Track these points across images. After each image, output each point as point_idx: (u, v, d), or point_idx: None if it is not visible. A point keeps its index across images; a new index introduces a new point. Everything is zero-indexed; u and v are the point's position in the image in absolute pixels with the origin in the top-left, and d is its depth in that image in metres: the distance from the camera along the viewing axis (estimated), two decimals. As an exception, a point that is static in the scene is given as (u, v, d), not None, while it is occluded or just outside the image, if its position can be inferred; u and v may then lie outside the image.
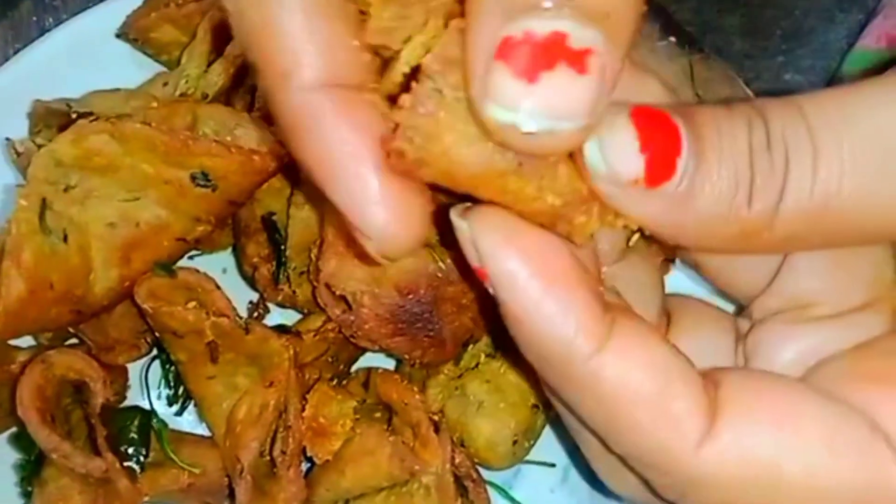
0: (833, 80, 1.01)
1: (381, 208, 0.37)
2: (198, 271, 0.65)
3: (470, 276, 0.42)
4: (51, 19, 0.87)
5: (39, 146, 0.63)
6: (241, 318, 0.63)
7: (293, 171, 0.70)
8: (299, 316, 0.73)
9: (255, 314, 0.75)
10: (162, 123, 0.64)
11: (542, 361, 0.40)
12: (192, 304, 0.63)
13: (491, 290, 0.39)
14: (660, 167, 0.36)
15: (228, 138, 0.66)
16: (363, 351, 0.70)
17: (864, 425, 0.40)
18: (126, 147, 0.61)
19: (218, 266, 0.76)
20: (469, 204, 0.40)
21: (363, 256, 0.61)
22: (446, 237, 0.59)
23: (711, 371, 0.42)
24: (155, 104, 0.65)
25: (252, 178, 0.64)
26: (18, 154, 0.67)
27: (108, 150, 0.61)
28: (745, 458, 0.39)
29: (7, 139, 0.70)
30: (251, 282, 0.73)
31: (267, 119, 0.73)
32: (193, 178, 0.62)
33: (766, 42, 1.09)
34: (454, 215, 0.40)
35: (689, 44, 0.97)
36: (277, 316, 0.75)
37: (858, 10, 1.04)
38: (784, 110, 0.37)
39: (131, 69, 0.80)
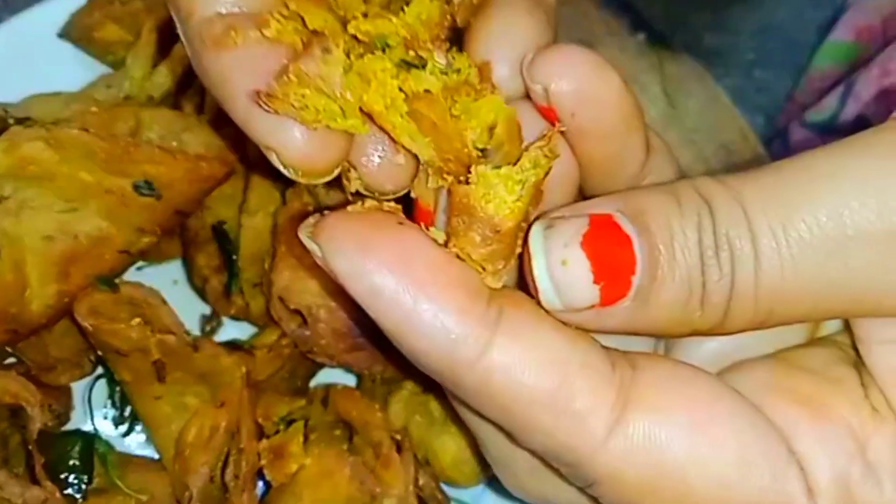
0: (802, 74, 0.99)
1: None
2: (142, 285, 0.61)
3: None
4: (-9, 19, 0.83)
5: (-31, 156, 0.58)
6: (189, 334, 0.60)
7: (244, 177, 0.66)
8: (254, 329, 0.70)
9: (208, 328, 0.72)
10: (102, 129, 0.60)
11: (433, 372, 0.38)
12: (136, 321, 0.59)
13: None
14: (615, 290, 0.36)
15: (174, 143, 0.63)
16: (321, 366, 0.66)
17: (781, 446, 0.38)
18: (63, 154, 0.57)
19: (167, 277, 0.73)
20: (317, 216, 0.37)
21: (316, 268, 0.58)
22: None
23: (629, 353, 0.40)
24: (95, 108, 0.61)
25: (200, 185, 0.60)
26: (-51, 163, 0.63)
27: (43, 158, 0.57)
28: (653, 458, 0.37)
29: (-62, 147, 0.66)
30: (202, 294, 0.69)
31: (218, 122, 0.69)
32: (136, 186, 0.59)
33: (736, 38, 1.07)
34: (303, 235, 0.37)
35: (658, 41, 0.95)
36: (231, 329, 0.72)
37: (828, 5, 1.03)
38: (728, 202, 0.36)
39: (75, 71, 0.76)
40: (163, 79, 0.67)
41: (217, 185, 0.61)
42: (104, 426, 0.67)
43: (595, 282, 0.36)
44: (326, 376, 0.69)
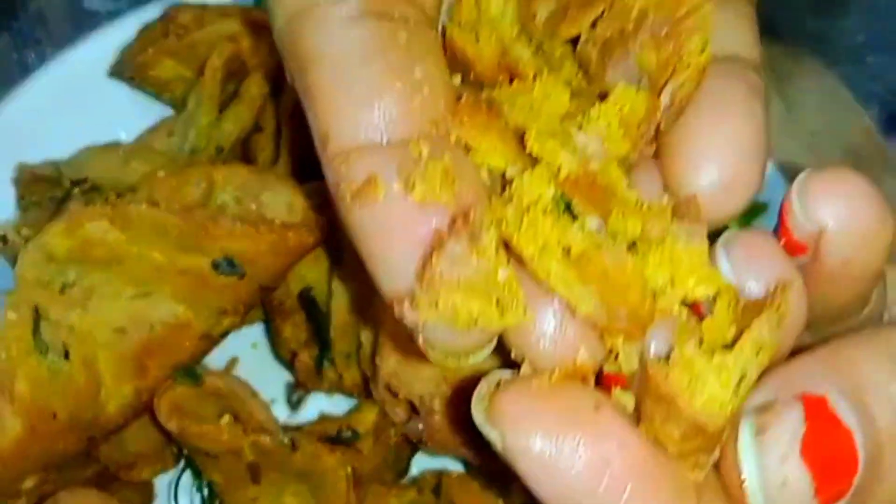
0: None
1: None
2: (228, 375, 0.54)
3: None
4: (33, 55, 0.76)
5: (26, 239, 0.51)
6: (285, 432, 0.52)
7: (334, 240, 0.58)
8: (344, 399, 0.62)
9: (294, 398, 0.64)
10: (172, 198, 0.52)
11: None
12: (225, 419, 0.52)
13: None
14: (833, 495, 0.31)
15: (253, 206, 0.55)
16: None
17: None
18: (131, 234, 0.50)
19: (246, 340, 0.65)
20: (490, 383, 0.31)
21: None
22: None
23: None
24: (162, 173, 0.53)
25: (287, 258, 0.53)
26: (3, 241, 0.55)
27: (109, 239, 0.50)
28: None
29: (-10, 221, 0.58)
30: (289, 367, 0.62)
31: (297, 173, 0.61)
32: (216, 265, 0.51)
33: (844, 20, 0.96)
34: (478, 415, 0.31)
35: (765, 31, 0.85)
36: (320, 398, 0.64)
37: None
38: None
39: (129, 110, 0.68)
40: (231, 126, 0.60)
41: (306, 254, 0.53)
42: (192, 521, 0.60)
43: (815, 495, 0.31)
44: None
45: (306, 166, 0.63)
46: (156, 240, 0.50)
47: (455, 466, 0.60)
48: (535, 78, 0.33)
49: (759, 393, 0.31)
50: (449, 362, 0.31)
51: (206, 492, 0.59)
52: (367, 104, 0.30)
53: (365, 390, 0.60)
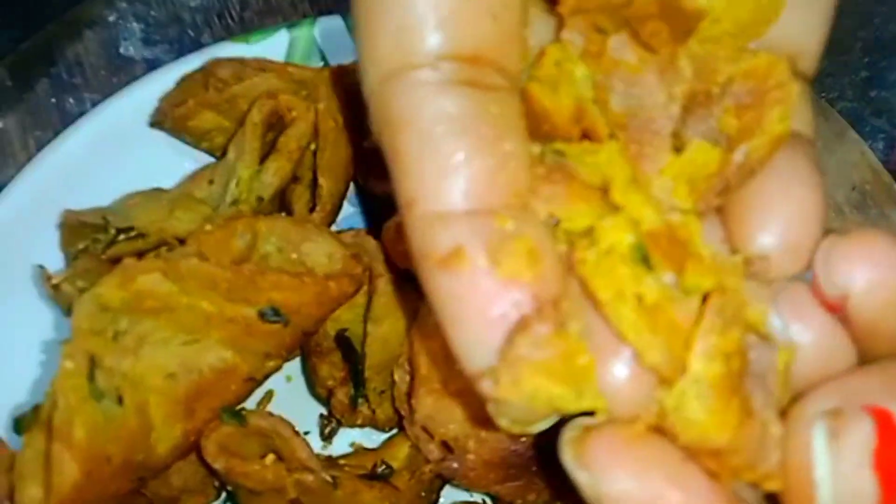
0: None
1: None
2: (271, 415, 0.56)
3: None
4: (71, 100, 0.78)
5: (81, 290, 0.54)
6: (327, 469, 0.55)
7: (368, 281, 0.61)
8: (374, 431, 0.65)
9: (327, 431, 0.67)
10: (220, 248, 0.55)
11: None
12: (270, 459, 0.54)
13: None
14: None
15: (294, 255, 0.58)
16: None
17: None
18: (182, 286, 0.53)
19: (281, 375, 0.68)
20: (580, 426, 0.32)
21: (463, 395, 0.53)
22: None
23: None
24: (209, 227, 0.56)
25: (328, 306, 0.56)
26: (56, 290, 0.58)
27: (161, 291, 0.53)
28: None
29: (40, 267, 0.61)
30: (325, 403, 0.65)
31: (332, 219, 0.65)
32: (262, 314, 0.54)
33: (846, 56, 0.99)
34: (569, 459, 0.32)
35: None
36: (352, 430, 0.67)
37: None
38: None
39: (169, 157, 0.71)
40: (272, 177, 0.62)
41: (346, 301, 0.56)
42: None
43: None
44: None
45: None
46: (205, 291, 0.53)
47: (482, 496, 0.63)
48: (610, 137, 0.34)
49: (823, 399, 0.33)
50: (515, 428, 0.32)
51: (246, 525, 0.62)
52: (456, 175, 0.30)
53: (398, 425, 0.63)
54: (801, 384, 0.34)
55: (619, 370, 0.32)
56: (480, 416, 0.54)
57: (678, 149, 0.35)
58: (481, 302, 0.30)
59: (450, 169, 0.30)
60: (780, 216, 0.34)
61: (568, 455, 0.32)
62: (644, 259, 0.32)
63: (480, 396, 0.31)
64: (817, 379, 0.34)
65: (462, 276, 0.30)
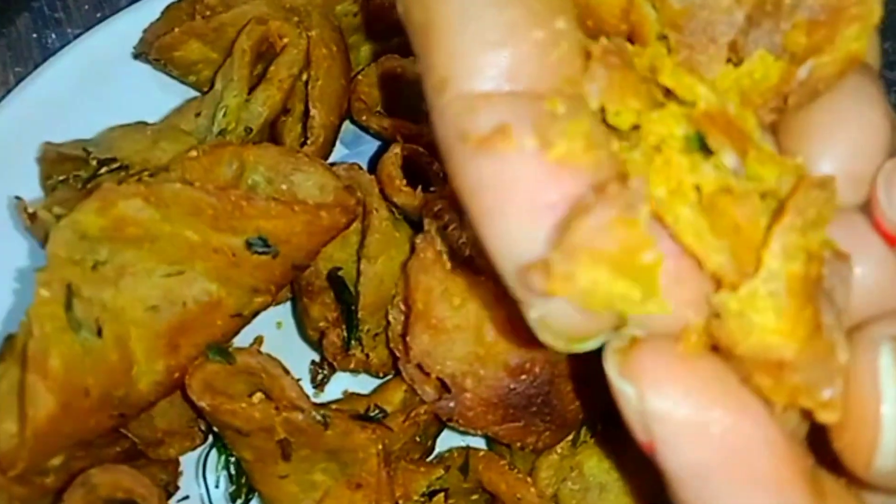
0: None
1: None
2: (259, 353, 0.54)
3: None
4: (53, 35, 0.75)
5: (58, 217, 0.51)
6: (317, 409, 0.52)
7: (361, 216, 0.58)
8: (368, 379, 0.62)
9: (320, 377, 0.65)
10: (205, 177, 0.52)
11: None
12: (258, 397, 0.52)
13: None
14: None
15: (284, 186, 0.55)
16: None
17: None
18: (165, 213, 0.50)
19: (270, 320, 0.66)
20: (625, 340, 0.28)
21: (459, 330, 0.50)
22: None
23: None
24: (194, 153, 0.53)
25: (320, 238, 0.53)
26: (32, 219, 0.55)
27: (142, 218, 0.50)
28: None
29: (17, 198, 0.58)
30: (317, 347, 0.62)
31: (325, 154, 0.62)
32: (249, 244, 0.51)
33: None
34: (613, 371, 0.28)
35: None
36: (344, 378, 0.64)
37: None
38: None
39: (153, 92, 0.68)
40: (261, 107, 0.59)
41: (338, 234, 0.54)
42: (216, 496, 0.61)
43: None
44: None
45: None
46: (190, 219, 0.50)
47: (477, 443, 0.60)
48: (659, 39, 0.30)
49: (890, 324, 0.30)
50: (559, 345, 0.28)
51: (232, 469, 0.59)
52: (500, 48, 0.26)
53: (393, 370, 0.60)
54: (856, 317, 0.31)
55: (675, 279, 0.28)
56: (478, 349, 0.51)
57: (730, 61, 0.31)
58: (529, 187, 0.26)
59: (494, 41, 0.26)
60: (845, 141, 0.31)
61: (612, 365, 0.28)
62: (701, 146, 0.28)
63: (519, 306, 0.27)
64: (873, 313, 0.31)
65: (506, 159, 0.26)
